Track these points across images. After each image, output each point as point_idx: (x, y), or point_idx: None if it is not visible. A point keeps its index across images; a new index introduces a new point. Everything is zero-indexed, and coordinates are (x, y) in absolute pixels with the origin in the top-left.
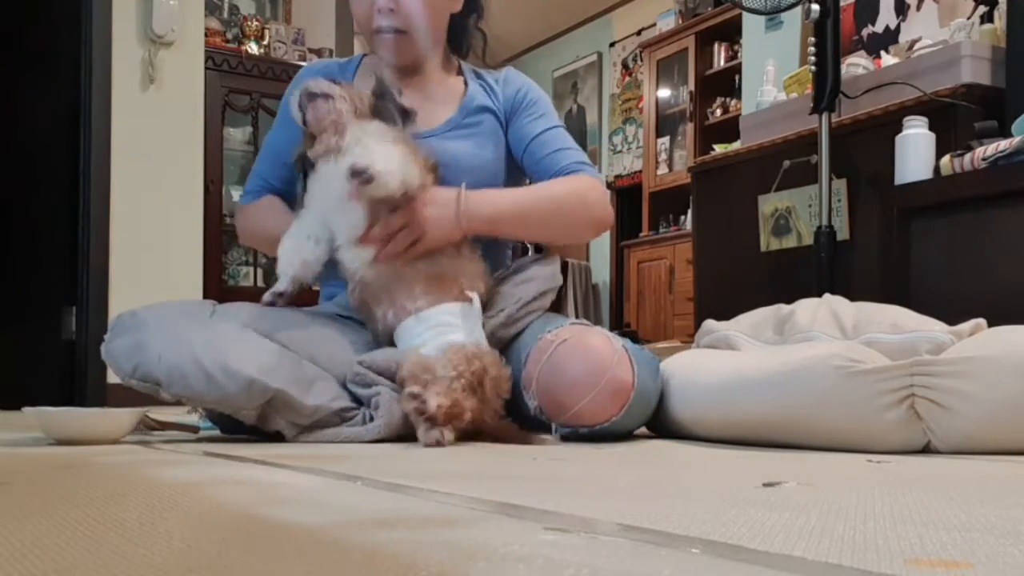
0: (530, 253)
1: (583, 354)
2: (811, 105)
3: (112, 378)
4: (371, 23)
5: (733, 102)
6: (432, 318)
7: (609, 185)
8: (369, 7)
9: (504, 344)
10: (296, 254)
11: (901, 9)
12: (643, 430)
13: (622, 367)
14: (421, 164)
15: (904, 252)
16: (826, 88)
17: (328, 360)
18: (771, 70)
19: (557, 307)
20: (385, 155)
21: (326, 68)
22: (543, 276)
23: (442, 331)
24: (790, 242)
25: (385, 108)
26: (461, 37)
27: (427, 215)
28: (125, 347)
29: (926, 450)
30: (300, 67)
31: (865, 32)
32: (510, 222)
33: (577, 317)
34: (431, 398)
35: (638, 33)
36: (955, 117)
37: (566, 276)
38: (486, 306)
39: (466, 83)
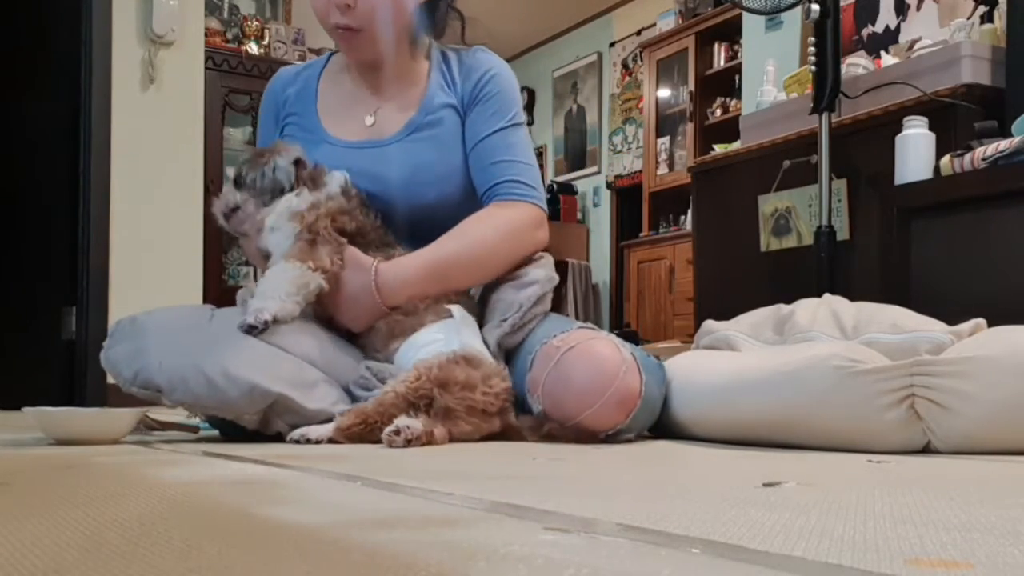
0: None
1: (590, 362)
2: (811, 105)
3: (112, 378)
4: (329, 19)
5: (733, 102)
6: (419, 339)
7: (609, 185)
8: (326, 3)
9: (511, 349)
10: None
11: (901, 9)
12: None
13: (630, 376)
14: (330, 246)
15: (904, 252)
16: (826, 88)
17: (328, 364)
18: (771, 70)
19: (556, 306)
20: (273, 291)
21: (298, 72)
22: (541, 279)
23: (432, 349)
24: (790, 242)
25: (276, 182)
26: (432, 22)
27: (348, 318)
28: (125, 353)
29: (926, 450)
30: None
31: (865, 32)
32: (433, 285)
33: (577, 317)
34: (314, 430)
35: (638, 33)
36: (955, 117)
37: (566, 276)
38: (488, 315)
39: (429, 74)
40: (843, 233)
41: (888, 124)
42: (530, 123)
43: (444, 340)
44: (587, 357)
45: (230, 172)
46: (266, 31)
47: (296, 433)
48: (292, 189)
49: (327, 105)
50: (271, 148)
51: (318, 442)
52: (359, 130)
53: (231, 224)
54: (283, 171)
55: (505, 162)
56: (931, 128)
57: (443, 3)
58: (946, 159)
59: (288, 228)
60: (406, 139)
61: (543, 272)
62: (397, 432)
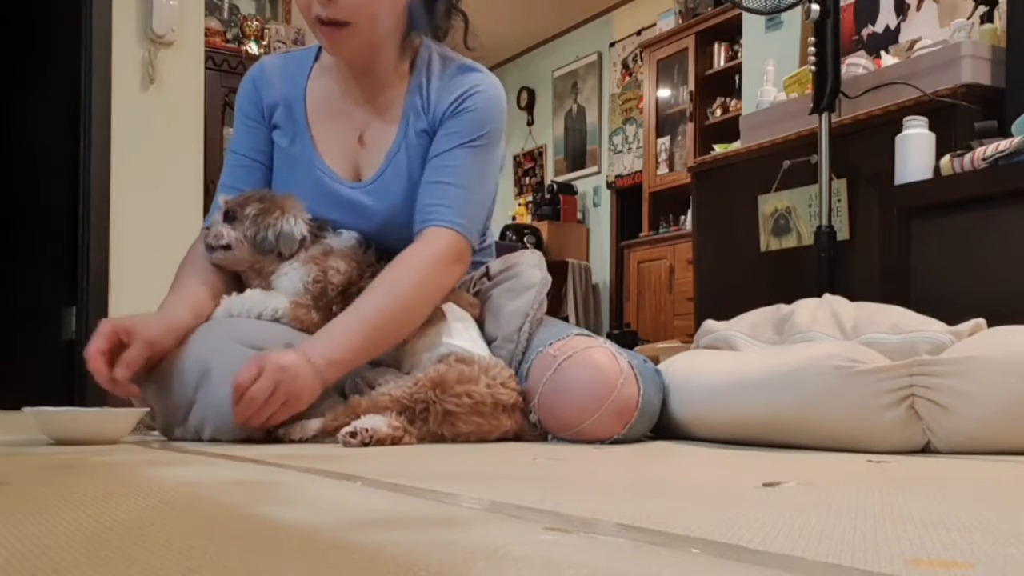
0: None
1: (588, 372)
2: (811, 105)
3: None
4: (311, 12)
5: (733, 102)
6: (415, 347)
7: (609, 185)
8: None
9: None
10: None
11: (901, 9)
12: None
13: (628, 386)
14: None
15: (904, 252)
16: (826, 88)
17: None
18: (771, 70)
19: (555, 307)
20: None
21: (284, 62)
22: (538, 282)
23: (423, 356)
24: (790, 242)
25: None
26: (430, 22)
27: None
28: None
29: (926, 450)
30: None
31: (865, 32)
32: (364, 354)
33: (577, 318)
34: (297, 430)
35: (638, 33)
36: (955, 117)
37: (566, 276)
38: (486, 322)
39: (408, 89)
40: (843, 233)
41: (888, 124)
42: (530, 123)
43: (431, 343)
44: (585, 367)
45: (221, 201)
46: (266, 31)
47: (281, 430)
48: (299, 249)
49: (317, 116)
50: (281, 204)
51: (302, 439)
52: (347, 154)
53: (215, 258)
54: (288, 239)
55: (440, 184)
56: (931, 128)
57: (438, 8)
58: (946, 159)
59: (301, 270)
60: (381, 179)
61: (540, 274)
62: (353, 434)
